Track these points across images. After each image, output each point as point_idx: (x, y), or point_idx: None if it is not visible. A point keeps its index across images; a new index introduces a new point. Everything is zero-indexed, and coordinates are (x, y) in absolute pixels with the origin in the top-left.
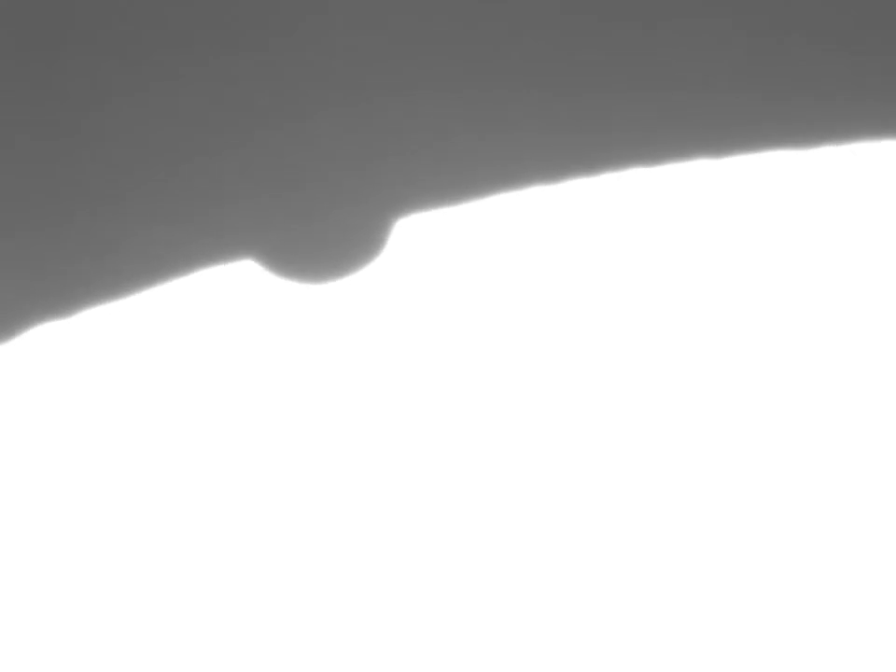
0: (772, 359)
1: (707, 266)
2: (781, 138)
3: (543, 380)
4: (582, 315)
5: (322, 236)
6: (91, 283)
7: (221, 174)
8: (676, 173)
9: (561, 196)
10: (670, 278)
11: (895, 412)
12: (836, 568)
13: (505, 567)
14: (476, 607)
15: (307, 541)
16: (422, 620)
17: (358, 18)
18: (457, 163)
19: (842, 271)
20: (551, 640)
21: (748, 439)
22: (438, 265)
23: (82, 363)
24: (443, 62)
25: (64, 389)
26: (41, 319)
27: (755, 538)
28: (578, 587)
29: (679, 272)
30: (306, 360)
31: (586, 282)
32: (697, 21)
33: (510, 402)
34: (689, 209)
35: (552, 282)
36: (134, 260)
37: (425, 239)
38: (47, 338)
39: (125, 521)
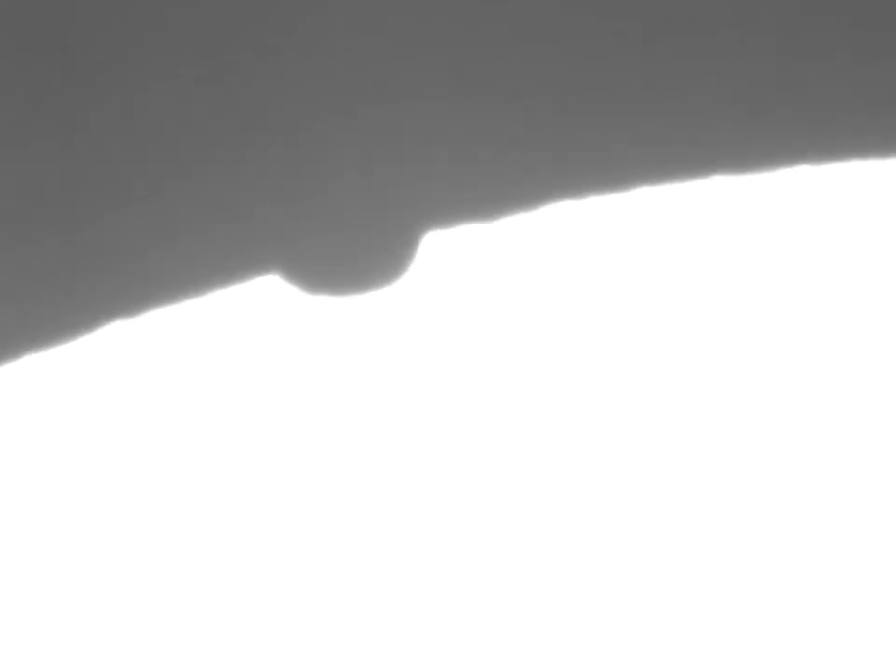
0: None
1: (719, 280)
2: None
3: (568, 394)
4: (609, 329)
5: (349, 250)
6: (112, 299)
7: (246, 186)
8: (696, 188)
9: (587, 211)
10: (695, 294)
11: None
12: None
13: (526, 580)
14: (486, 609)
15: (332, 554)
16: (432, 623)
17: (386, 28)
18: (486, 177)
19: (849, 288)
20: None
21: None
22: (465, 279)
23: (104, 380)
24: (473, 76)
25: (86, 407)
26: (62, 336)
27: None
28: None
29: (701, 285)
30: (331, 375)
31: (613, 296)
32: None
33: (535, 416)
34: (703, 225)
35: (577, 296)
36: (156, 276)
37: (452, 253)
38: (68, 355)
39: (155, 534)
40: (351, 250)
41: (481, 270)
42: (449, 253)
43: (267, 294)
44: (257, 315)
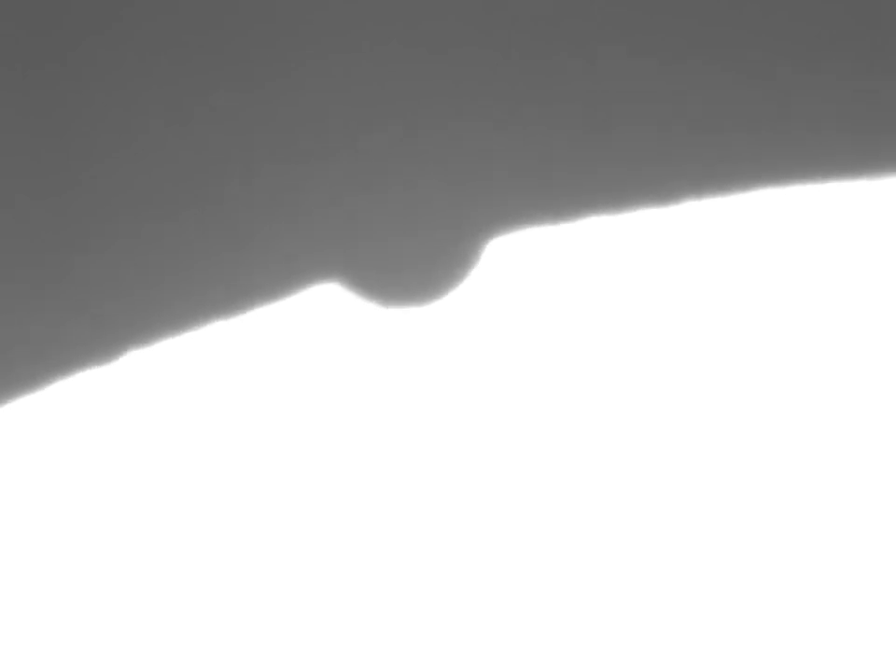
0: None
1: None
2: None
3: (631, 403)
4: (678, 336)
5: (410, 257)
6: (170, 311)
7: (309, 195)
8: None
9: (657, 222)
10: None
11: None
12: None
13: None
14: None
15: (402, 569)
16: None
17: (449, 41)
18: (551, 184)
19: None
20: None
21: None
22: (528, 287)
23: (165, 391)
24: (539, 81)
25: (147, 416)
26: (123, 346)
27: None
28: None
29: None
30: (392, 382)
31: (684, 303)
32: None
33: (599, 423)
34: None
35: (645, 304)
36: (214, 287)
37: (516, 261)
38: (127, 366)
39: (198, 552)
40: (414, 256)
41: (547, 277)
42: (511, 260)
43: (328, 303)
44: (318, 323)
